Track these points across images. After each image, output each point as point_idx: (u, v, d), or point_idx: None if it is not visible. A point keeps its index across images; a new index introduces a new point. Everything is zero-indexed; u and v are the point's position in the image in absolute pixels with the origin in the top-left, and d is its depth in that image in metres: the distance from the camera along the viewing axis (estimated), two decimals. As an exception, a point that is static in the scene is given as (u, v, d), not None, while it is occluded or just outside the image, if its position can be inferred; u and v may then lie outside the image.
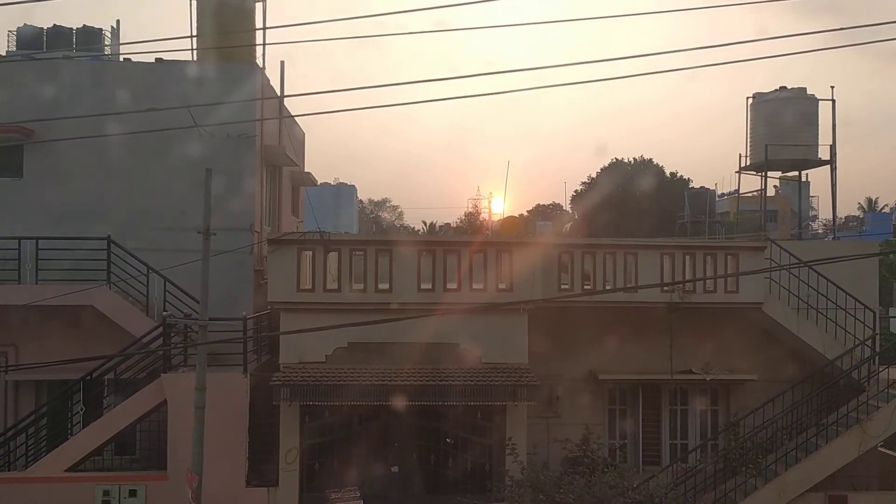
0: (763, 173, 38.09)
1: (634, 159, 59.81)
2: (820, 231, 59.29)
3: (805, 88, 37.11)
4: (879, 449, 14.72)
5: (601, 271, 14.25)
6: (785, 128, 36.33)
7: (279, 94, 17.85)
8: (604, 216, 46.99)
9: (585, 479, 12.55)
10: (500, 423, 13.82)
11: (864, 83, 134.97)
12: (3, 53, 19.11)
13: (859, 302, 14.67)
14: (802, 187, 42.76)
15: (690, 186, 53.75)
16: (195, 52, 16.75)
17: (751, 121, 38.03)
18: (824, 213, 63.10)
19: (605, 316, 14.25)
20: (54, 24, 19.79)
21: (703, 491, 13.91)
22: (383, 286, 13.62)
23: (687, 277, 14.32)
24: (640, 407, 15.37)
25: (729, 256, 14.56)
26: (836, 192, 34.99)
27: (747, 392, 15.03)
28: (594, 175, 61.05)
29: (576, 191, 63.14)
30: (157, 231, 15.02)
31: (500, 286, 13.80)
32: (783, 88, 37.45)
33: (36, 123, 14.70)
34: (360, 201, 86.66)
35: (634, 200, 53.01)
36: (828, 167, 35.87)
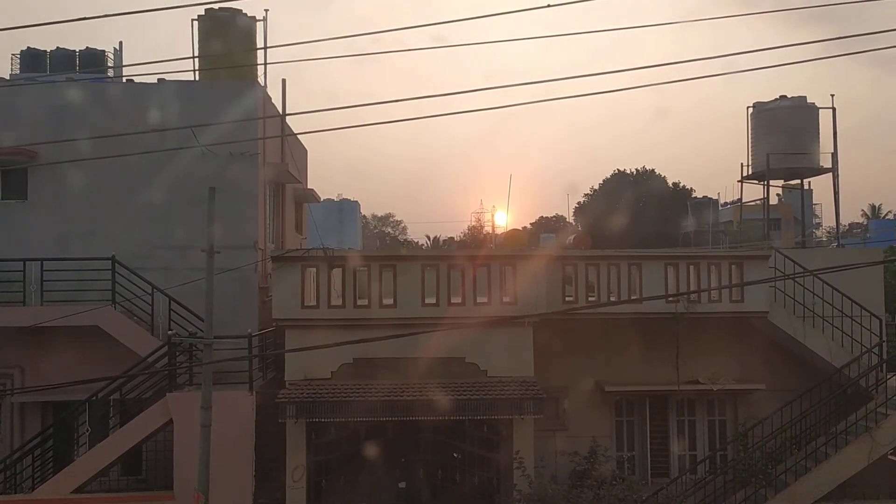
0: (765, 182, 38.17)
1: (637, 170, 59.87)
2: (824, 238, 59.18)
3: (805, 97, 37.21)
4: (889, 457, 14.60)
5: (605, 283, 14.24)
6: (786, 136, 36.43)
7: (281, 111, 17.95)
8: (607, 227, 47.00)
9: (594, 493, 12.50)
10: (507, 436, 13.77)
11: (864, 89, 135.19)
12: (7, 76, 19.24)
13: (865, 309, 14.63)
14: (805, 195, 42.79)
15: (693, 196, 53.82)
16: (198, 72, 16.86)
17: (752, 130, 38.16)
18: (828, 221, 63.01)
19: (610, 327, 14.23)
20: (57, 47, 19.93)
21: (713, 503, 13.82)
22: (388, 302, 13.63)
23: (691, 287, 14.30)
24: (647, 418, 15.30)
25: (733, 266, 14.55)
26: (838, 200, 35.04)
27: (755, 402, 14.97)
28: (597, 186, 61.13)
29: (579, 202, 63.21)
30: (161, 250, 15.06)
31: (504, 299, 13.79)
32: (783, 97, 37.58)
33: (40, 146, 14.78)
34: (364, 217, 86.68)
35: (637, 211, 53.01)
36: (830, 174, 35.95)
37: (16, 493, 13.68)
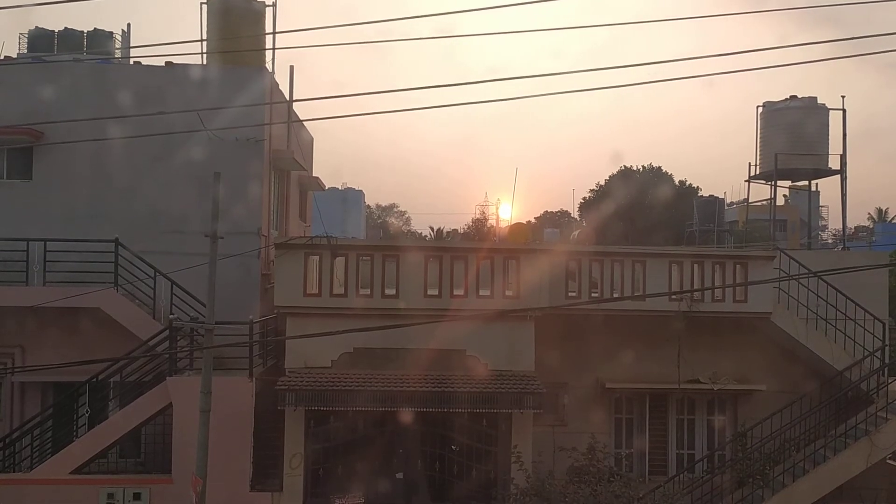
0: (773, 182, 38.03)
1: (644, 167, 59.64)
2: (829, 241, 58.99)
3: (815, 98, 37.00)
4: (888, 461, 14.59)
5: (609, 279, 14.20)
6: (795, 137, 36.26)
7: (288, 98, 17.88)
8: (612, 224, 46.88)
9: (591, 489, 12.48)
10: (505, 430, 13.76)
11: (873, 93, 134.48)
12: (14, 56, 19.20)
13: (868, 313, 14.58)
14: (812, 197, 42.63)
15: (700, 195, 53.61)
16: (205, 55, 16.80)
17: (760, 129, 37.99)
18: (834, 223, 62.81)
19: (612, 324, 14.19)
20: (65, 28, 19.87)
21: (710, 502, 13.82)
22: (390, 292, 13.60)
23: (695, 286, 14.25)
24: (646, 416, 15.29)
25: (738, 265, 14.50)
26: (846, 202, 34.92)
27: (755, 402, 14.93)
28: (603, 182, 60.91)
29: (584, 198, 62.99)
30: (164, 234, 15.02)
31: (507, 293, 13.76)
32: (793, 98, 37.37)
33: (45, 126, 14.75)
34: (368, 206, 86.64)
35: (643, 208, 52.84)
36: (838, 176, 35.80)
37: (14, 472, 13.73)
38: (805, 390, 14.52)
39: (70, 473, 13.19)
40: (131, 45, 20.38)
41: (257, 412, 13.41)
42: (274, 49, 17.33)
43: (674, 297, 13.93)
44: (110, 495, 13.15)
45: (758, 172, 38.51)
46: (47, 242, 14.36)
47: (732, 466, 14.18)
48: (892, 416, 13.75)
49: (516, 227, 22.33)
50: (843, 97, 48.21)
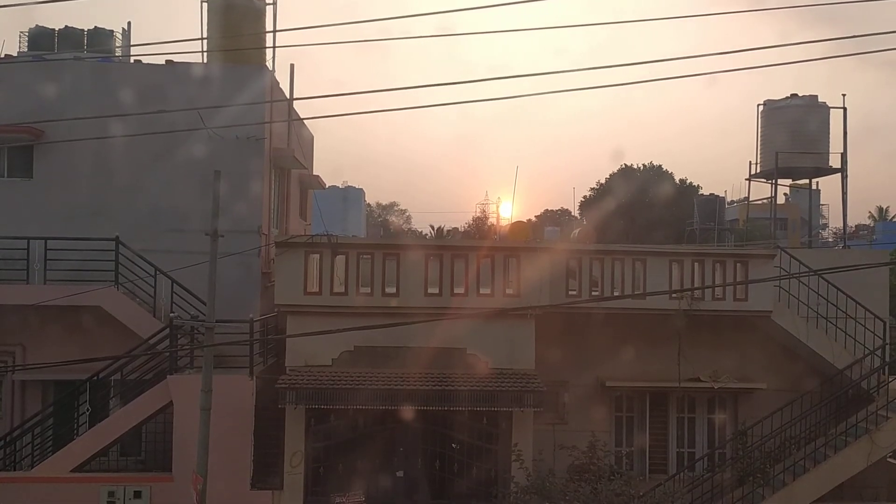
0: (773, 181, 38.02)
1: (644, 165, 59.58)
2: (830, 239, 58.93)
3: (816, 96, 36.96)
4: (888, 460, 14.59)
5: (609, 277, 14.20)
6: (795, 135, 36.23)
7: (288, 96, 17.87)
8: (613, 222, 46.84)
9: (591, 487, 12.49)
10: (506, 429, 13.76)
11: (874, 91, 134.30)
12: (15, 54, 19.18)
13: (869, 311, 14.57)
14: (813, 195, 42.60)
15: (700, 193, 53.56)
16: (206, 54, 16.78)
17: (761, 128, 37.96)
18: (834, 222, 62.74)
19: (613, 323, 14.18)
20: (66, 26, 19.83)
21: (710, 500, 13.81)
22: (390, 290, 13.60)
23: (696, 285, 14.25)
24: (647, 414, 15.29)
25: (738, 264, 14.49)
26: (846, 200, 34.87)
27: (755, 401, 14.93)
28: (603, 181, 60.85)
29: (585, 196, 62.92)
30: (164, 232, 15.03)
31: (507, 291, 13.76)
32: (794, 96, 37.34)
33: (46, 124, 14.74)
34: (368, 205, 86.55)
35: (644, 207, 52.77)
36: (838, 175, 35.77)
37: (15, 470, 13.74)
38: (805, 389, 14.52)
39: (71, 471, 13.20)
40: (132, 43, 20.35)
41: (258, 410, 13.42)
42: (274, 47, 17.34)
43: (674, 295, 13.93)
44: (111, 493, 13.15)
45: (758, 171, 38.49)
46: (48, 241, 14.38)
47: (733, 465, 14.18)
48: (892, 415, 13.75)
49: (517, 226, 22.33)
50: (843, 95, 48.32)
